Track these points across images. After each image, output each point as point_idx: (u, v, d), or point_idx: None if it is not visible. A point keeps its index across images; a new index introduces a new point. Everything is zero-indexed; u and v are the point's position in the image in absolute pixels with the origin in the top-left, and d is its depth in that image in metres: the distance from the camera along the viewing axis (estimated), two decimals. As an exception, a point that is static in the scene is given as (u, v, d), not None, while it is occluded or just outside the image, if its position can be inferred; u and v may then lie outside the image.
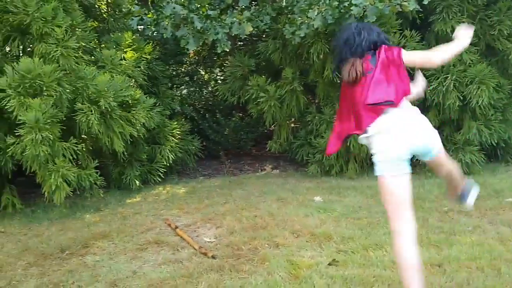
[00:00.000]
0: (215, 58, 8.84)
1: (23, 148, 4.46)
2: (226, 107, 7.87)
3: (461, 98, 5.77)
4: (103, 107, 4.97)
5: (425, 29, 6.27)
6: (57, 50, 4.78)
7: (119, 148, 5.23)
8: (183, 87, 7.35)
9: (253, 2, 6.54)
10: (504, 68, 6.19)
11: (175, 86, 7.44)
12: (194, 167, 6.96)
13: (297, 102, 6.22)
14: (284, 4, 5.67)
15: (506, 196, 4.79)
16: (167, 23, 5.22)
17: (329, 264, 3.31)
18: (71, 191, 4.82)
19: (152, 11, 5.54)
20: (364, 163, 6.22)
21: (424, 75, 5.87)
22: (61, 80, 4.77)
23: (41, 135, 4.42)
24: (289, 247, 3.68)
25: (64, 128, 4.84)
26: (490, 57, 6.24)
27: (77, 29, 5.23)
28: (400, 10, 4.83)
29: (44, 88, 4.61)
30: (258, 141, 8.05)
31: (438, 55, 2.58)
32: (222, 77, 8.54)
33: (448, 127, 6.18)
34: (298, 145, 6.33)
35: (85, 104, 4.98)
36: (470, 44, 5.93)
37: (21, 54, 5.06)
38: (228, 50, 5.63)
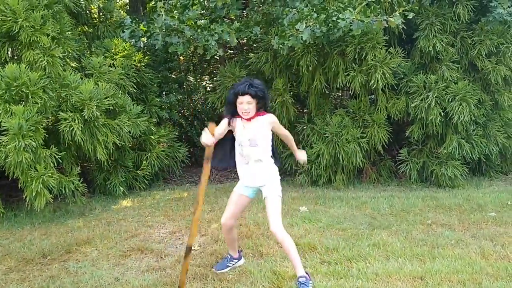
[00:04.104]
0: (205, 66, 8.86)
1: (6, 155, 4.43)
2: (215, 114, 7.87)
3: (443, 113, 5.88)
4: (87, 116, 4.97)
5: (411, 45, 6.38)
6: (43, 59, 4.78)
7: (101, 156, 5.21)
8: (172, 94, 7.32)
9: (244, 11, 6.59)
10: (487, 84, 6.33)
11: (164, 92, 7.42)
12: (180, 174, 6.94)
13: (287, 113, 6.26)
14: (274, 13, 5.70)
15: (489, 211, 4.87)
16: (158, 32, 5.24)
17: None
18: (54, 196, 4.77)
19: (143, 22, 5.55)
20: (351, 174, 6.27)
21: (408, 92, 6.02)
22: (46, 88, 4.76)
23: (24, 142, 4.39)
24: (273, 257, 3.69)
25: (49, 135, 4.81)
26: (473, 73, 6.37)
27: (65, 36, 5.21)
28: (387, 25, 4.91)
29: (30, 96, 4.59)
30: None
31: None
32: (211, 84, 8.55)
33: (431, 141, 6.26)
34: (287, 155, 6.36)
35: (68, 112, 4.97)
36: (452, 61, 6.06)
37: (9, 60, 5.01)
38: (218, 58, 5.60)
